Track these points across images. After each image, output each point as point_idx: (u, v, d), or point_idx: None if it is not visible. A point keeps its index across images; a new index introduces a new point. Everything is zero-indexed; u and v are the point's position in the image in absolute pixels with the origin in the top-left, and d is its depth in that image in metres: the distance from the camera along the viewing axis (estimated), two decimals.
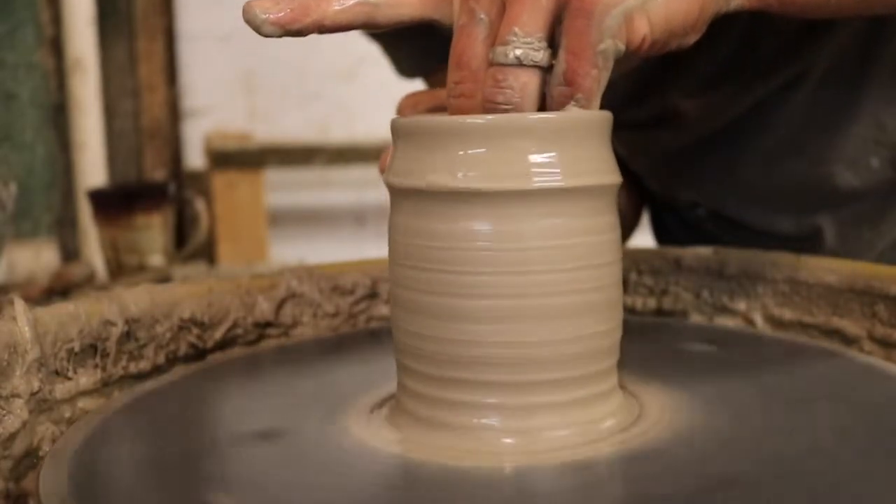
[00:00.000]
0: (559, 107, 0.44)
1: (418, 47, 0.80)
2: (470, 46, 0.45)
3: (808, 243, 0.78)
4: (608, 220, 0.45)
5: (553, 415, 0.43)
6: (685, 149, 0.81)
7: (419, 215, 0.44)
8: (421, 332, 0.44)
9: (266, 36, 0.46)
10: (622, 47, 0.44)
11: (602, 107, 0.45)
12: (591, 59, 0.43)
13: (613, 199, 0.46)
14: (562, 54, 0.44)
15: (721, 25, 0.52)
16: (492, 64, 0.44)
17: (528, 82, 0.44)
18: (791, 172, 0.77)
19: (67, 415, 0.52)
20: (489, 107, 0.44)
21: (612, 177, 0.45)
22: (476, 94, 0.45)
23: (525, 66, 0.44)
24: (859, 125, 0.74)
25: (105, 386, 0.55)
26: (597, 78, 0.44)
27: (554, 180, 0.42)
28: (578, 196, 0.43)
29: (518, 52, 0.43)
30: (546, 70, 0.44)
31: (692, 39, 0.49)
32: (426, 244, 0.44)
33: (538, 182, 0.42)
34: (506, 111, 0.44)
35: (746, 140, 0.77)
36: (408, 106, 0.58)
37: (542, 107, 0.45)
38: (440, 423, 0.44)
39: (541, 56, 0.44)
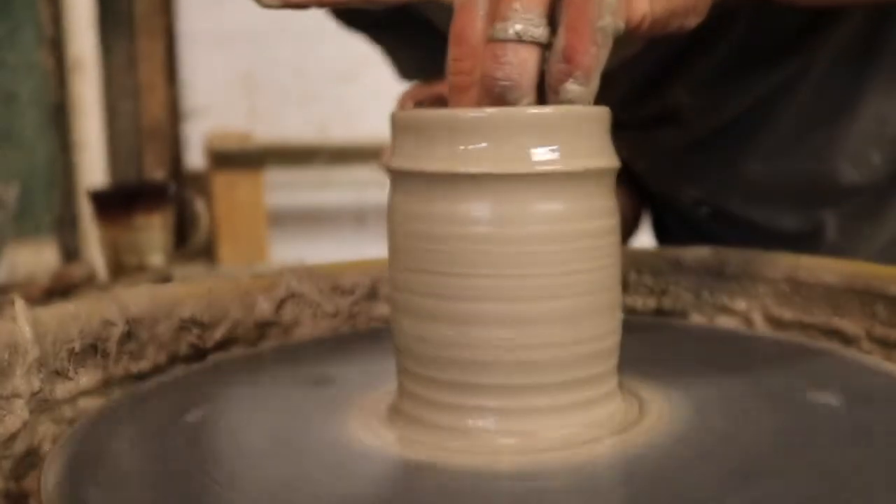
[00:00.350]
0: (557, 84, 0.44)
1: (419, 48, 0.80)
2: (470, 22, 0.45)
3: (810, 239, 0.78)
4: (607, 204, 0.45)
5: (552, 376, 0.44)
6: (688, 147, 0.81)
7: (419, 199, 0.44)
8: (420, 312, 0.45)
9: (266, 7, 0.46)
10: (622, 25, 0.44)
11: (603, 105, 0.45)
12: (590, 36, 0.43)
13: (612, 183, 0.46)
14: (561, 31, 0.43)
15: (722, 22, 0.52)
16: (491, 40, 0.44)
17: (528, 59, 0.43)
18: (793, 168, 0.77)
19: (68, 415, 0.52)
20: (488, 83, 0.43)
21: (611, 161, 0.45)
22: (475, 71, 0.44)
23: (524, 42, 0.43)
24: (861, 120, 0.74)
25: (106, 386, 0.55)
26: (596, 55, 0.43)
27: (553, 164, 0.43)
28: (578, 180, 0.44)
29: (518, 27, 0.43)
30: (545, 47, 0.44)
31: (693, 22, 0.49)
32: (425, 227, 0.44)
33: (538, 166, 0.43)
34: (504, 87, 0.43)
35: (748, 137, 0.77)
36: (408, 99, 0.58)
37: (541, 84, 0.44)
38: (437, 400, 0.45)
39: (540, 32, 0.43)
